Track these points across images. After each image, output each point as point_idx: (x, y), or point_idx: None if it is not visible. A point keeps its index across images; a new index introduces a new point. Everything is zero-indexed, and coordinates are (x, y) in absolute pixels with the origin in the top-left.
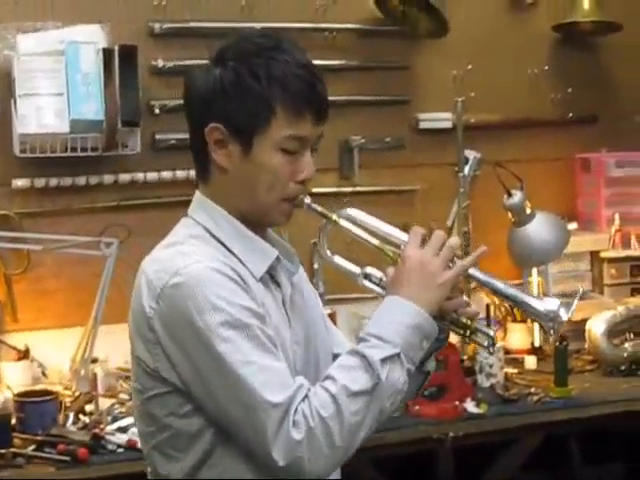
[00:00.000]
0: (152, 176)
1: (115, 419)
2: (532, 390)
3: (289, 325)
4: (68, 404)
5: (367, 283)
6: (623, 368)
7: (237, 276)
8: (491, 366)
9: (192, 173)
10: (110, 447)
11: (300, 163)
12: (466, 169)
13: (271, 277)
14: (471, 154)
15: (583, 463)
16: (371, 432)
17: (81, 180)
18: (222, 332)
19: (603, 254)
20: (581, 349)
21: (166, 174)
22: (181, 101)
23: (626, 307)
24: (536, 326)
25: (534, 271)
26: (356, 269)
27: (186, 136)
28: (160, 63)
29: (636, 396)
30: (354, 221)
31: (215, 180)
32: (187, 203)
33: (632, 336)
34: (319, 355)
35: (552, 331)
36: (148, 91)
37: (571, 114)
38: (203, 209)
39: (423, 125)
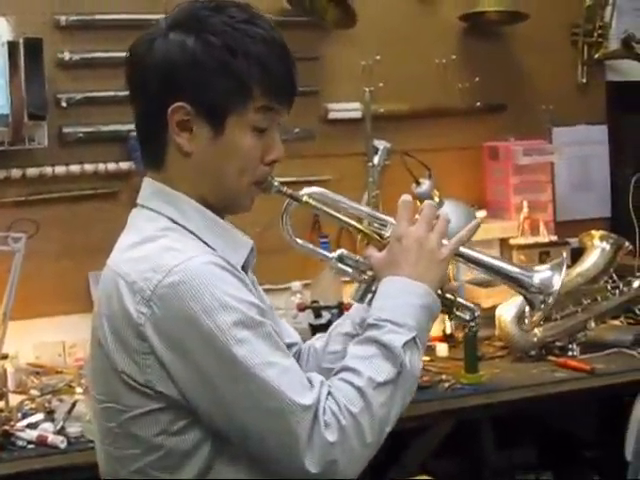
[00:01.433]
0: (60, 170)
1: (25, 415)
2: (443, 377)
3: None
4: None
5: (341, 266)
6: (533, 353)
7: (234, 269)
8: None
9: (100, 167)
10: (20, 443)
11: (269, 143)
12: (375, 159)
13: (242, 269)
14: (380, 144)
15: (495, 448)
16: (394, 426)
17: None
18: (236, 333)
19: (512, 241)
20: (491, 336)
21: (74, 167)
22: (88, 94)
23: None
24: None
25: None
26: (327, 253)
27: (93, 129)
28: (67, 56)
29: (545, 380)
30: (324, 201)
31: (173, 165)
32: (95, 196)
33: (542, 322)
34: None
35: (542, 305)
36: (55, 84)
37: (479, 103)
38: (161, 198)
39: (332, 115)
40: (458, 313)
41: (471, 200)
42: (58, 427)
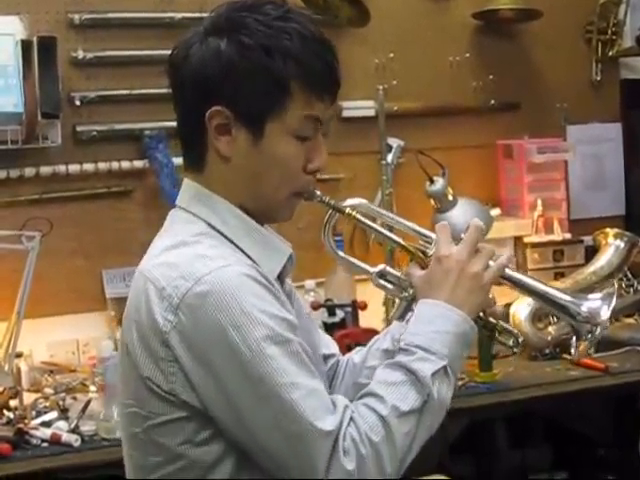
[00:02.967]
0: (74, 168)
1: (39, 413)
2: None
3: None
4: None
5: (382, 282)
6: (547, 352)
7: (267, 281)
8: None
9: (114, 165)
10: (34, 442)
11: (312, 151)
12: (389, 157)
13: (278, 276)
14: (394, 142)
15: (508, 447)
16: (415, 456)
17: (1, 173)
18: (264, 349)
19: (526, 239)
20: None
21: (88, 166)
22: (102, 92)
23: None
24: None
25: None
26: (369, 267)
27: (107, 128)
28: (80, 54)
29: (559, 379)
30: (368, 215)
31: (212, 168)
32: (109, 195)
33: (555, 320)
34: (314, 357)
35: (589, 335)
36: (68, 83)
37: (493, 101)
38: (201, 201)
39: (346, 113)
40: (500, 338)
41: (485, 198)
42: (72, 425)
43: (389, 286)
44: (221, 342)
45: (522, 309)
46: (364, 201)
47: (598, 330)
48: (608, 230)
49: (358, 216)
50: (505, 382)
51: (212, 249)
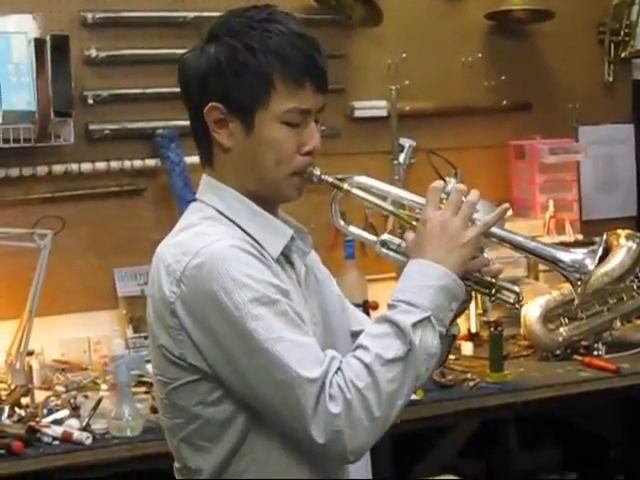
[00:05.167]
0: (86, 167)
1: (51, 411)
2: (468, 376)
3: (306, 305)
4: (4, 397)
5: (385, 250)
6: (558, 353)
7: (258, 253)
8: None
9: (126, 164)
10: (46, 440)
11: (304, 135)
12: (401, 157)
13: (285, 257)
14: (406, 142)
15: (519, 448)
16: (408, 399)
17: (14, 171)
18: (251, 309)
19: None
20: (517, 334)
21: (100, 165)
22: (114, 91)
23: (560, 292)
24: (472, 312)
25: None
26: (373, 237)
27: (119, 127)
28: (93, 53)
29: (570, 380)
30: (366, 189)
31: (220, 161)
32: (121, 193)
33: (567, 321)
34: (336, 334)
35: (579, 282)
36: (81, 81)
37: (505, 102)
38: (211, 191)
39: (358, 113)
40: (500, 295)
41: (497, 199)
42: (84, 424)
43: (392, 254)
44: (215, 306)
45: (533, 310)
46: (364, 178)
47: (586, 277)
48: (620, 231)
49: (355, 191)
50: (516, 383)
51: (211, 228)
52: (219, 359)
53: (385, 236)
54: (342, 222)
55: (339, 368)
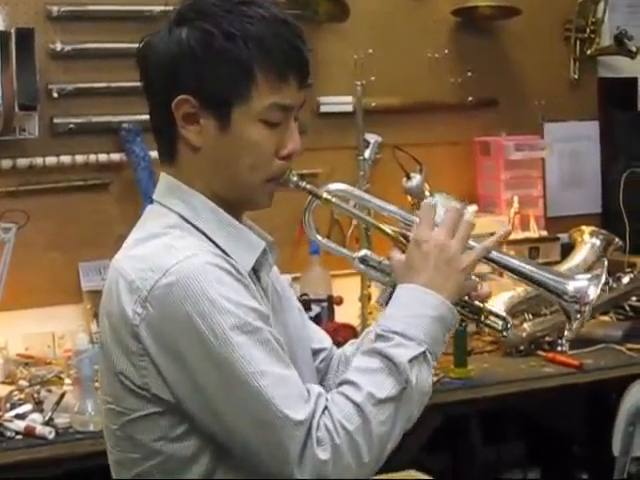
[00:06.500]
0: (51, 161)
1: (14, 406)
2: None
3: (276, 325)
4: None
5: (364, 267)
6: (522, 348)
7: (235, 270)
8: None
9: (91, 158)
10: (8, 434)
11: (285, 136)
12: (367, 153)
13: (254, 271)
14: (372, 138)
15: (483, 443)
16: (397, 443)
17: None
18: (232, 338)
19: None
20: (481, 330)
21: (65, 158)
22: (79, 85)
23: (524, 288)
24: None
25: None
26: (351, 253)
27: (84, 120)
28: (58, 47)
29: (534, 375)
30: (345, 198)
31: (184, 160)
32: (86, 188)
33: (531, 317)
34: (297, 352)
35: (578, 315)
36: (46, 75)
37: (471, 98)
38: (174, 194)
39: (324, 109)
40: (488, 322)
41: (462, 195)
42: (46, 418)
43: (371, 271)
44: (188, 331)
45: (497, 305)
46: (343, 185)
47: (586, 310)
48: (584, 228)
49: (334, 200)
50: (480, 378)
51: (180, 240)
52: (187, 389)
53: (364, 252)
54: (318, 236)
55: (326, 407)
